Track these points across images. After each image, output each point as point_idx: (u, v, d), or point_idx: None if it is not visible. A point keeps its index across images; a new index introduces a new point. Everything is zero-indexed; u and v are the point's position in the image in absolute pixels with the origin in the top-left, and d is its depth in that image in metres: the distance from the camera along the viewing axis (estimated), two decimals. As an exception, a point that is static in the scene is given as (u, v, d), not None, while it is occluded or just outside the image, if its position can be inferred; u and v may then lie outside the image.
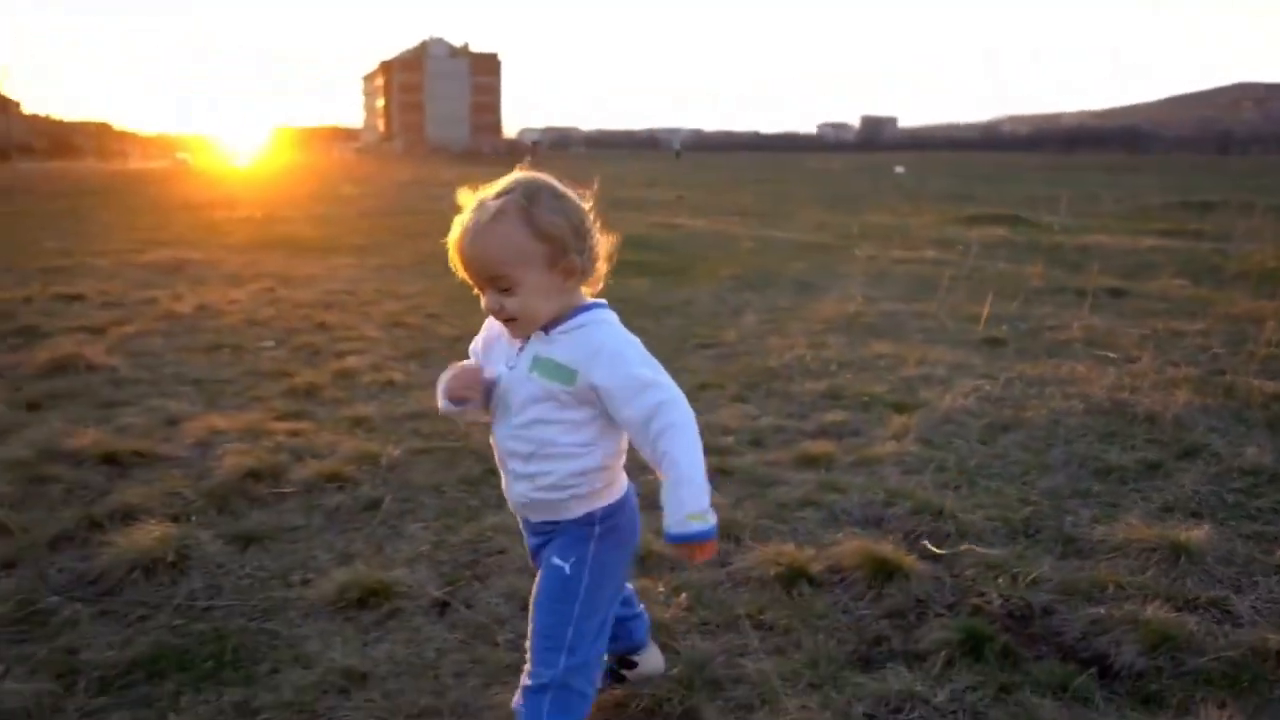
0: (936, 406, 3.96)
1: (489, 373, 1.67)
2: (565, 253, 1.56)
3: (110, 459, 3.30)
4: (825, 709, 1.90)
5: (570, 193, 1.63)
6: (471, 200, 1.59)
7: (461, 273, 1.58)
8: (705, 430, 3.47)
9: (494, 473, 3.06)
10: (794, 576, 2.42)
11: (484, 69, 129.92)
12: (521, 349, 1.62)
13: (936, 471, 3.22)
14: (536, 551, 1.75)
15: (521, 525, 1.79)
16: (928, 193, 22.23)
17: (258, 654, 2.10)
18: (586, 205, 1.63)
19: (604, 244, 1.63)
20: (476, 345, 1.74)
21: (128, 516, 2.77)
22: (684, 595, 2.35)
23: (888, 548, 2.53)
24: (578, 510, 1.66)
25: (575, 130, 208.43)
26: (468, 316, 6.03)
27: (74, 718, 1.88)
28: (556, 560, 1.66)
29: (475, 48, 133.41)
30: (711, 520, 1.55)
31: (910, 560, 2.48)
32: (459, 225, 1.57)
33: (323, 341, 5.39)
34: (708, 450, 3.24)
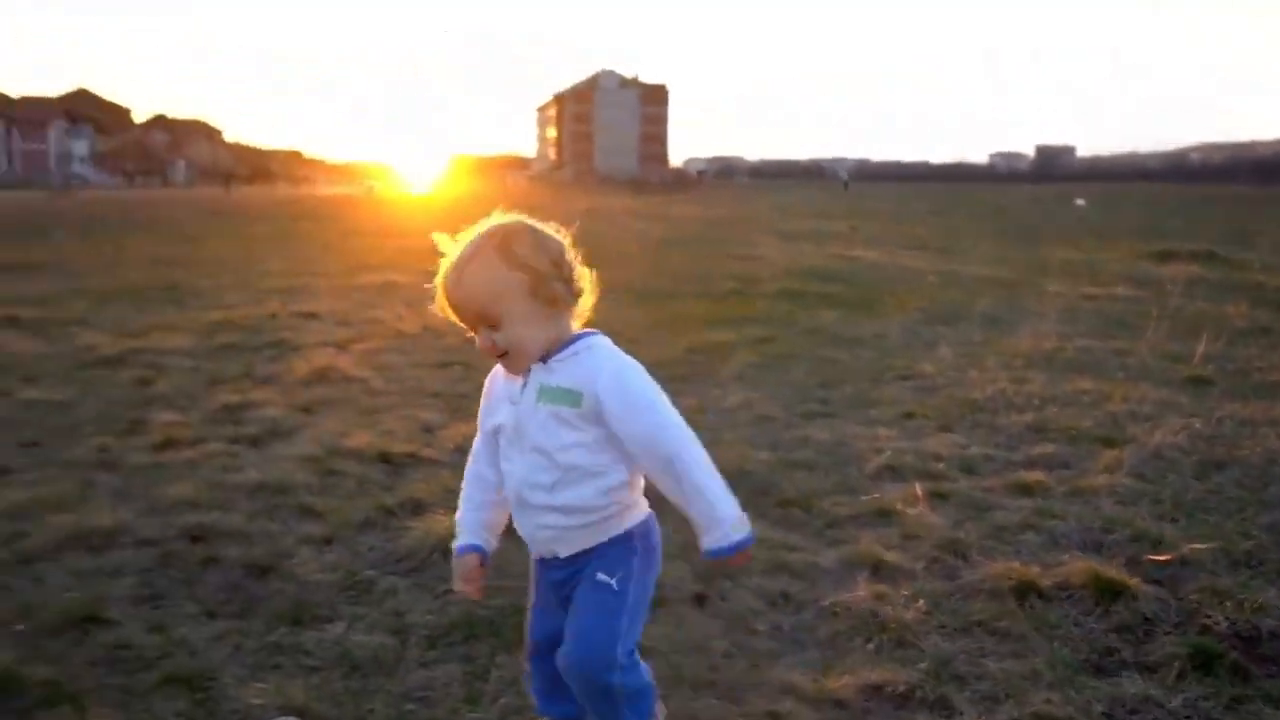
0: (1146, 442, 4.03)
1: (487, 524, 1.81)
2: (545, 281, 1.63)
3: (385, 458, 3.76)
4: (1067, 705, 2.10)
5: (547, 229, 1.71)
6: (451, 245, 1.64)
7: (451, 316, 1.65)
8: (914, 456, 3.69)
9: (727, 485, 3.36)
10: (1024, 590, 2.61)
11: (653, 100, 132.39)
12: (524, 384, 1.67)
13: (1152, 504, 3.33)
14: (561, 584, 1.74)
15: (536, 568, 1.82)
16: (1113, 227, 21.53)
17: (507, 635, 2.45)
18: (565, 241, 1.73)
19: (586, 276, 1.73)
20: (480, 415, 1.81)
21: (417, 507, 3.19)
22: (921, 601, 2.57)
23: (1112, 570, 2.69)
24: (615, 529, 1.69)
25: (740, 160, 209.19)
26: (670, 342, 6.39)
27: (413, 666, 2.26)
28: (602, 576, 1.68)
29: (645, 79, 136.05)
30: (748, 527, 1.63)
31: (1135, 582, 2.64)
32: (442, 270, 1.62)
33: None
34: (920, 475, 3.45)
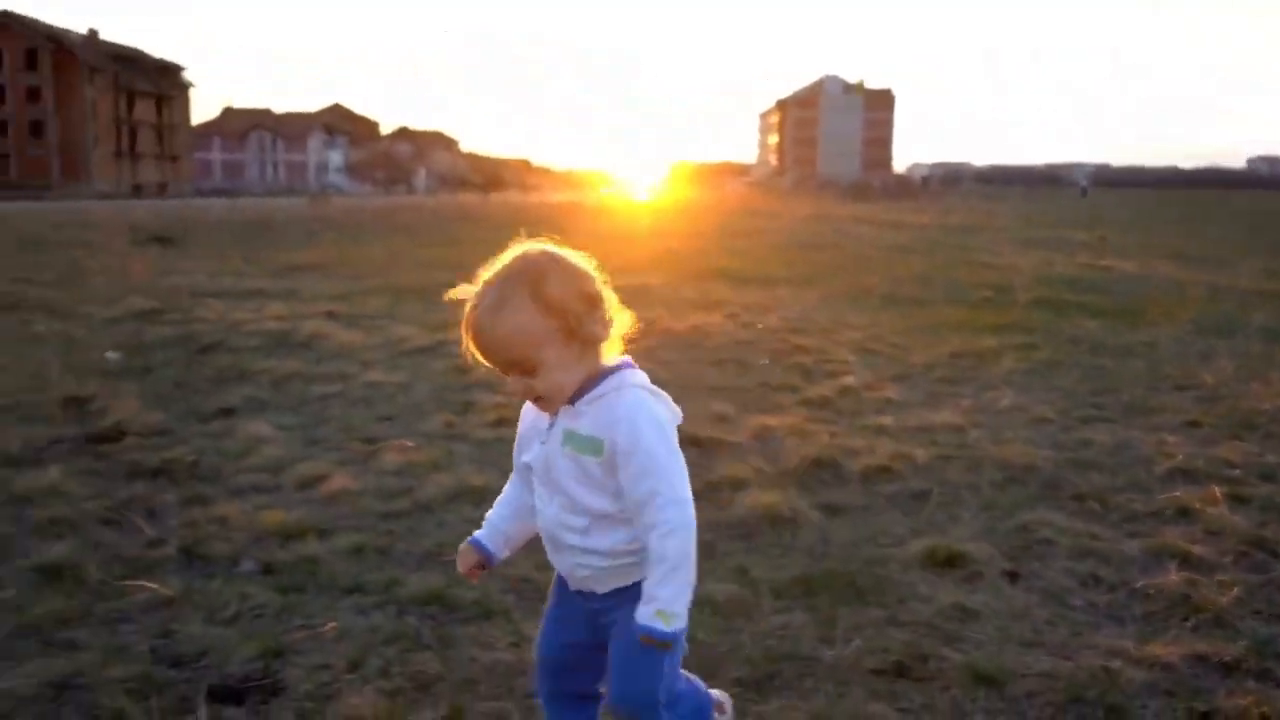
0: None
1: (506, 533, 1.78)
2: (580, 323, 1.54)
3: (694, 442, 4.18)
4: (1396, 687, 2.23)
5: (574, 258, 1.61)
6: (476, 287, 1.56)
7: (479, 360, 1.57)
8: (1205, 461, 3.76)
9: (1015, 479, 3.57)
10: (1343, 585, 2.72)
11: (877, 105, 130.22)
12: (552, 424, 1.62)
13: None
14: (598, 613, 1.71)
15: (558, 594, 1.80)
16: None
17: (882, 589, 2.76)
18: (593, 267, 1.62)
19: (614, 302, 1.61)
20: (515, 447, 1.76)
21: (737, 483, 3.58)
22: (1236, 589, 2.72)
23: None
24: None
25: (967, 165, 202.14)
26: (933, 346, 6.56)
27: (767, 612, 2.63)
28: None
29: (870, 84, 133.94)
30: (676, 626, 1.56)
31: None
32: (469, 314, 1.54)
33: (808, 362, 6.13)
34: (1215, 479, 3.53)
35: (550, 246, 1.61)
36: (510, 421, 4.47)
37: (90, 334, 7.14)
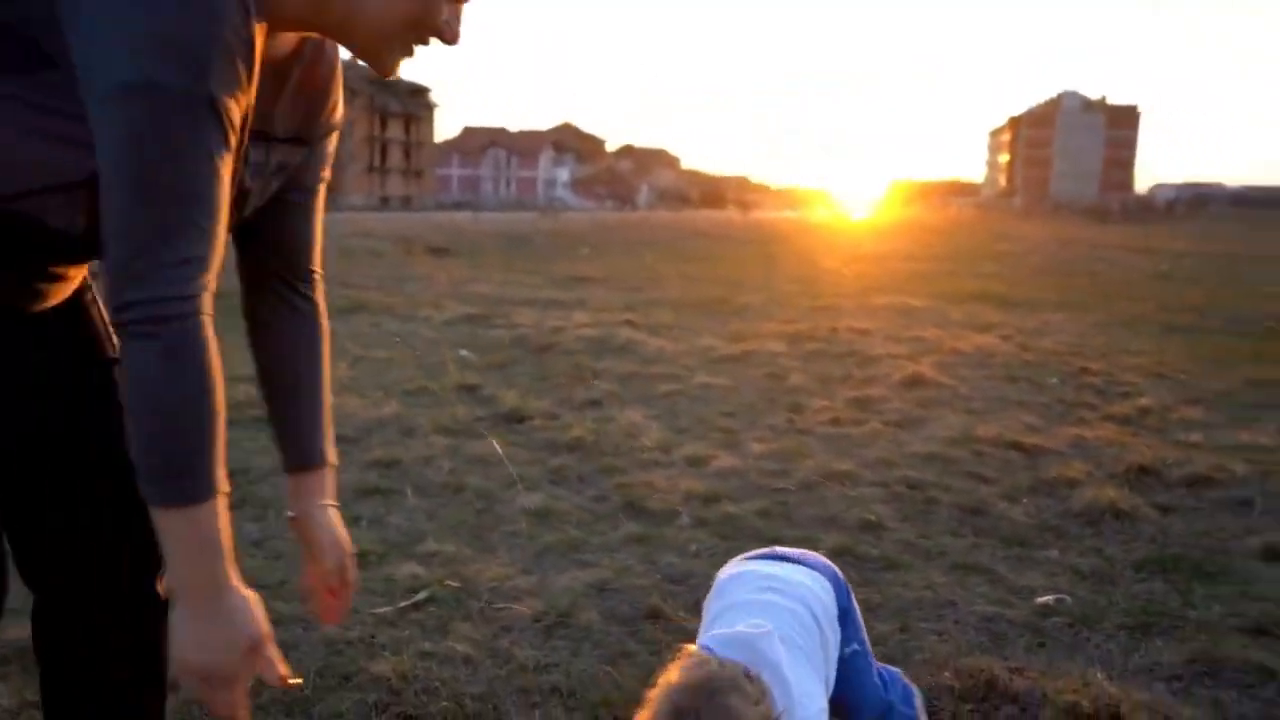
0: None
1: None
2: None
3: (1015, 445, 4.71)
4: None
5: (754, 694, 1.38)
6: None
7: None
8: None
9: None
10: None
11: (1120, 122, 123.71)
12: None
13: None
14: None
15: None
16: None
17: (1228, 572, 3.22)
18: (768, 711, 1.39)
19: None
20: None
21: (1071, 482, 4.10)
22: None
23: None
24: None
25: (1219, 186, 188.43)
26: (1225, 374, 6.77)
27: (1130, 582, 3.15)
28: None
29: (1113, 99, 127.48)
30: None
31: None
32: None
33: (1098, 383, 6.48)
34: None
35: (734, 672, 1.40)
36: (845, 421, 5.13)
37: (436, 333, 8.31)
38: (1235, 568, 3.26)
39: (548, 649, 2.63)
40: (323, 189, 1.44)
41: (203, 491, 1.04)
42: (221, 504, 1.08)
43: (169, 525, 1.05)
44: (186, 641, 1.08)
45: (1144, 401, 5.80)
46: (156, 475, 1.04)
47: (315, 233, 1.45)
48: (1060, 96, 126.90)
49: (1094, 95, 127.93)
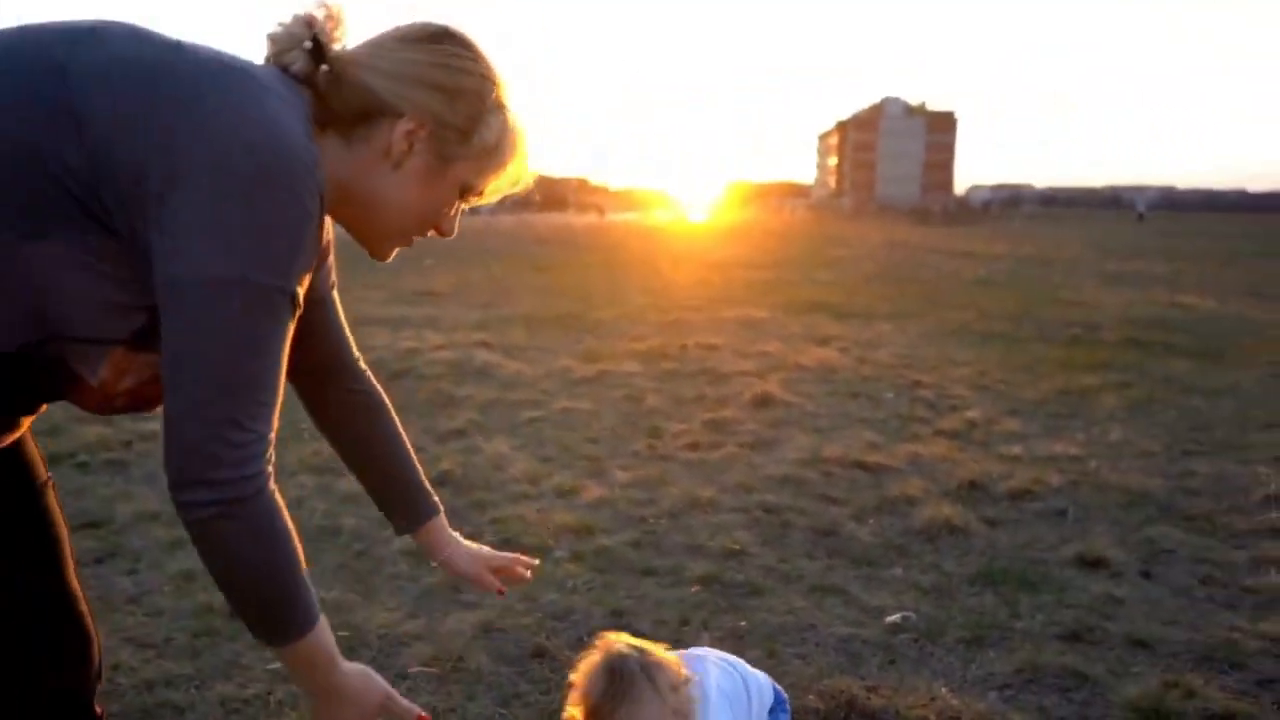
0: None
1: None
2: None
3: (862, 465, 5.09)
4: None
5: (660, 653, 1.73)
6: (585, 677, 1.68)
7: None
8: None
9: (1135, 502, 4.40)
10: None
11: (939, 127, 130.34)
12: None
13: None
14: None
15: None
16: None
17: (1047, 581, 3.63)
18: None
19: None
20: None
21: (911, 500, 4.47)
22: (1323, 587, 3.56)
23: None
24: None
25: (1028, 188, 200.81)
26: (1038, 383, 7.39)
27: (965, 596, 3.51)
28: None
29: (933, 105, 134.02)
30: None
31: None
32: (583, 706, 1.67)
33: (930, 396, 7.00)
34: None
35: (639, 654, 1.71)
36: (703, 445, 5.41)
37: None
38: (1053, 577, 3.68)
39: (443, 694, 2.77)
40: (335, 290, 1.62)
41: (305, 627, 1.21)
42: (322, 623, 1.25)
43: (283, 656, 1.24)
44: None
45: (970, 414, 6.31)
46: (262, 628, 1.20)
47: (345, 327, 1.63)
48: (883, 102, 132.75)
49: (914, 101, 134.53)
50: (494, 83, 1.33)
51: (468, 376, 7.42)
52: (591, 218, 74.07)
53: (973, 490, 4.67)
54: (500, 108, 1.34)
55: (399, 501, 1.70)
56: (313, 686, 1.27)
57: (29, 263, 1.10)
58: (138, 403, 1.27)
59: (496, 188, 1.39)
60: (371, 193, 1.31)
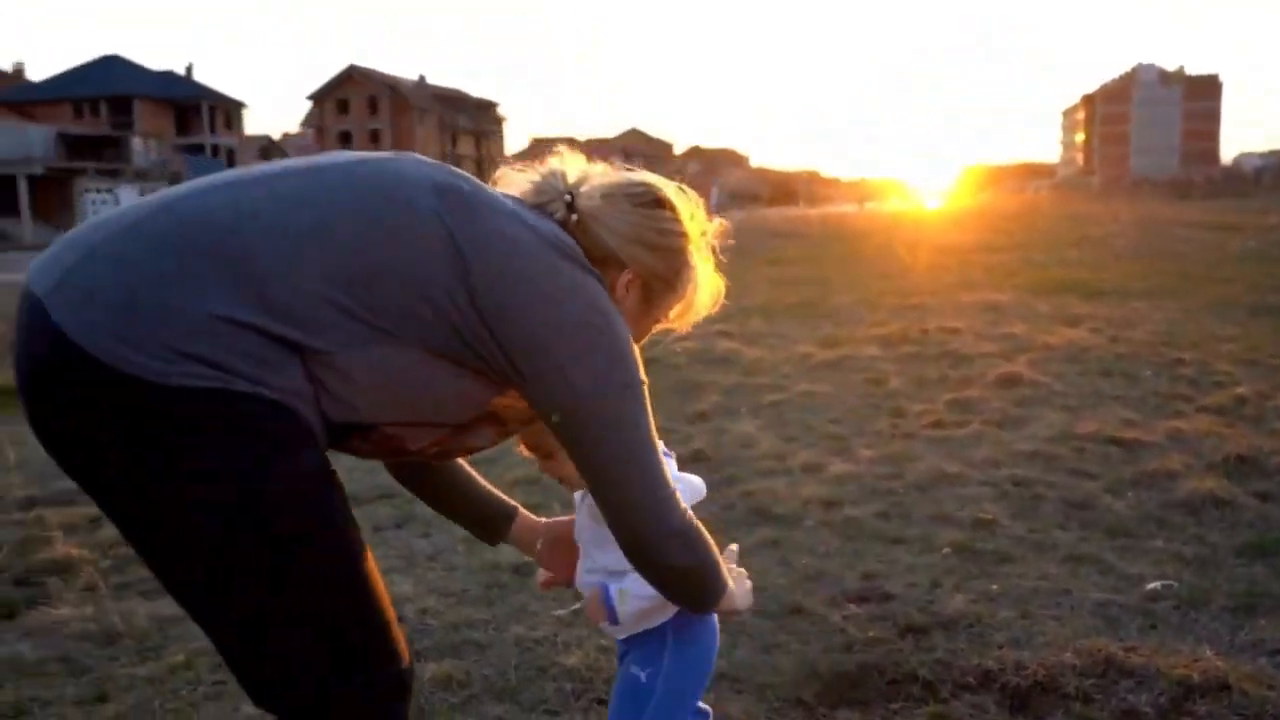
0: None
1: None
2: None
3: (1115, 441, 4.96)
4: None
5: None
6: None
7: None
8: None
9: None
10: None
11: (1200, 93, 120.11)
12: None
13: None
14: (622, 659, 1.86)
15: None
16: None
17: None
18: None
19: None
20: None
21: (1171, 474, 4.34)
22: None
23: None
24: (653, 620, 1.75)
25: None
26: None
27: (1233, 566, 3.42)
28: (634, 669, 1.78)
29: (1191, 70, 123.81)
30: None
31: None
32: None
33: (1191, 373, 6.66)
34: None
35: None
36: (948, 424, 5.43)
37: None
38: (1335, 550, 3.51)
39: (709, 643, 3.00)
40: None
41: (725, 586, 1.64)
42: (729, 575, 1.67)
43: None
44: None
45: (1239, 390, 5.97)
46: (709, 604, 1.64)
47: None
48: (1135, 70, 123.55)
49: (1171, 66, 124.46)
50: (690, 238, 1.66)
51: (711, 364, 7.69)
52: (851, 208, 73.33)
53: (1241, 465, 4.47)
54: (691, 260, 1.67)
55: (486, 514, 1.92)
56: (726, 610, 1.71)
57: (409, 364, 1.39)
58: (426, 457, 1.57)
59: (685, 319, 1.75)
60: None
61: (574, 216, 1.57)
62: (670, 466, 1.94)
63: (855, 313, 10.56)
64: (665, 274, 1.64)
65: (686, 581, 1.55)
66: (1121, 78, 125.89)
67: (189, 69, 78.38)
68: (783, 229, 36.48)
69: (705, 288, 1.71)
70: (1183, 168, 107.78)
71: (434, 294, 1.37)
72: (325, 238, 1.36)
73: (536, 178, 1.61)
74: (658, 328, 1.73)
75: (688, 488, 1.86)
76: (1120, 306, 10.21)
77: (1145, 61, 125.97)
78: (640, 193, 1.63)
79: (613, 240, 1.58)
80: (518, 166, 1.66)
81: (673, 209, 1.64)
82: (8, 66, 79.32)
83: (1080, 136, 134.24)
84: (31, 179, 54.12)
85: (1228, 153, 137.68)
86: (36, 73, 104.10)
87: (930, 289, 12.64)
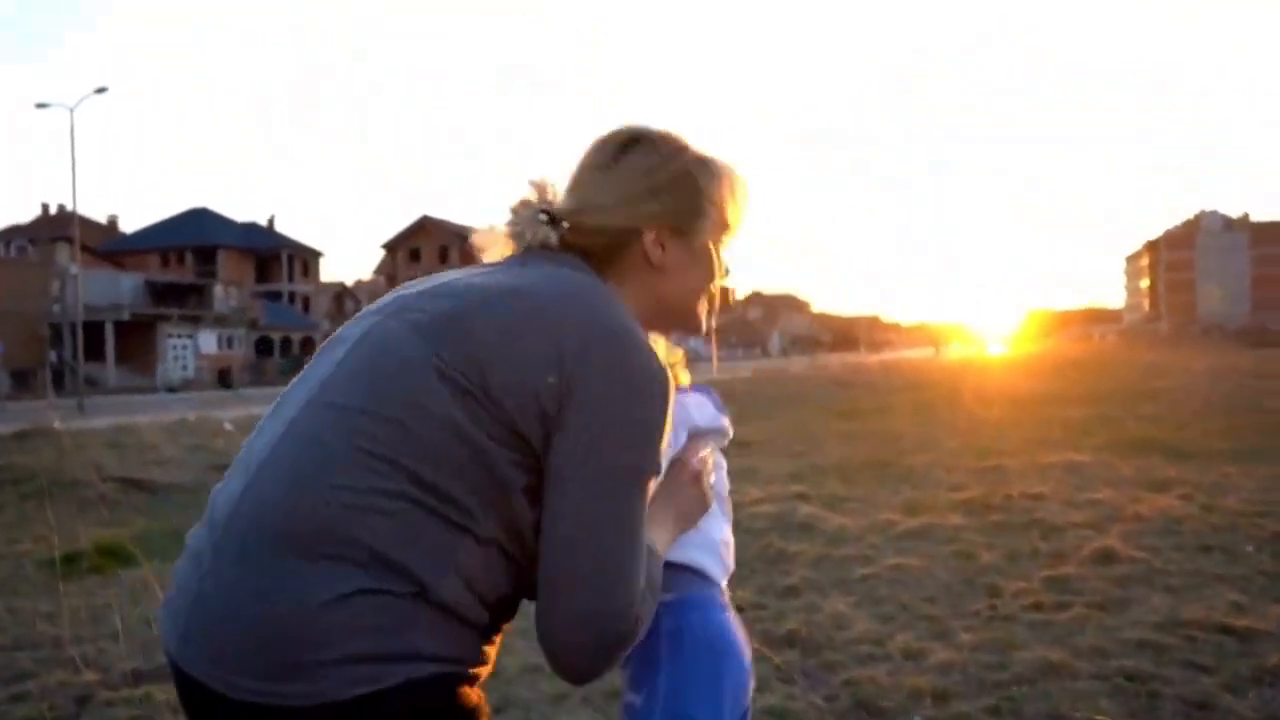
0: None
1: None
2: None
3: (1225, 629, 4.80)
4: None
5: None
6: None
7: None
8: None
9: None
10: None
11: (1268, 239, 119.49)
12: None
13: None
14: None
15: None
16: None
17: None
18: None
19: None
20: None
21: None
22: None
23: None
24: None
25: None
26: None
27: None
28: (628, 694, 1.57)
29: (1256, 216, 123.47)
30: None
31: None
32: None
33: (1298, 548, 6.46)
34: None
35: None
36: (1048, 605, 5.30)
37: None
38: None
39: None
40: None
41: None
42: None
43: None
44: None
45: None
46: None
47: None
48: (1199, 216, 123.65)
49: (1235, 213, 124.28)
50: (686, 150, 1.49)
51: (793, 530, 7.63)
52: (929, 352, 73.42)
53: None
54: (701, 163, 1.49)
55: None
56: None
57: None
58: None
59: (741, 218, 1.56)
60: (663, 301, 1.50)
61: (563, 225, 1.44)
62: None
63: (933, 474, 10.46)
64: (686, 205, 1.48)
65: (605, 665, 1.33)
66: (1185, 224, 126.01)
67: (271, 221, 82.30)
68: (847, 377, 36.59)
69: (729, 184, 1.52)
70: (1254, 315, 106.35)
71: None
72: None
73: (508, 219, 1.48)
74: (729, 241, 1.55)
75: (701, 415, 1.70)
76: (1208, 470, 9.99)
77: (1209, 208, 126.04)
78: (603, 149, 1.49)
79: (610, 220, 1.45)
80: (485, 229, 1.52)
81: (648, 138, 1.48)
82: (103, 219, 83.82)
83: (1145, 282, 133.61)
84: (118, 325, 56.41)
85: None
86: (130, 223, 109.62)
87: (1007, 448, 12.51)
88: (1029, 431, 14.49)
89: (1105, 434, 13.71)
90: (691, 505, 1.56)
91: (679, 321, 1.56)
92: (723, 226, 1.52)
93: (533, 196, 1.46)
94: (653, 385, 1.30)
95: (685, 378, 1.69)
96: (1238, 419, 14.95)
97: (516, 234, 1.46)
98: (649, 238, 1.45)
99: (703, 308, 1.56)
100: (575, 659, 1.30)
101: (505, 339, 1.28)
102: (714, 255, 1.53)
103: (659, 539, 1.43)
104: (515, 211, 1.46)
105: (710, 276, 1.53)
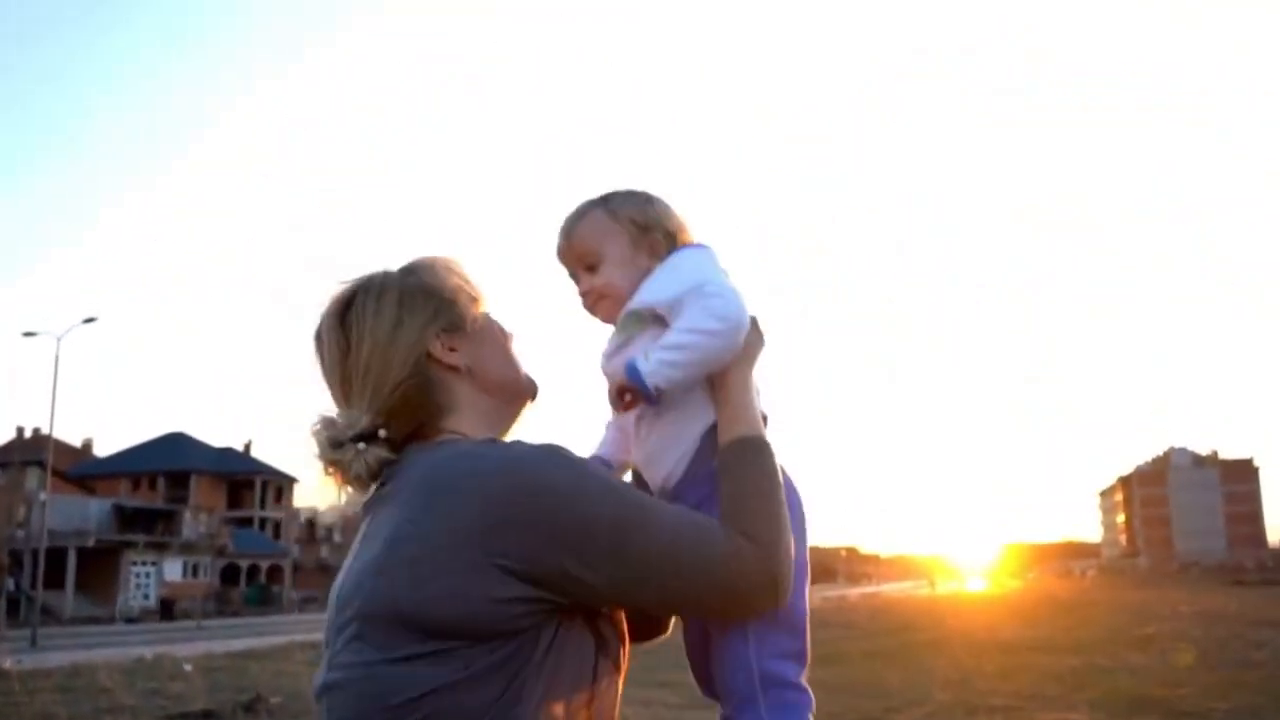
0: None
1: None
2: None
3: None
4: None
5: None
6: None
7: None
8: None
9: None
10: None
11: (1237, 477, 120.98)
12: None
13: None
14: None
15: None
16: None
17: None
18: None
19: None
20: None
21: None
22: None
23: None
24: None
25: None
26: None
27: None
28: None
29: (1225, 453, 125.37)
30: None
31: None
32: None
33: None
34: None
35: None
36: None
37: None
38: None
39: None
40: None
41: None
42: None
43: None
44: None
45: None
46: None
47: None
48: (1169, 453, 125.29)
49: (1204, 450, 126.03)
50: (388, 275, 1.48)
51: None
52: (922, 585, 72.50)
53: None
54: (409, 273, 1.48)
55: None
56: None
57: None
58: None
59: (478, 284, 1.54)
60: (489, 388, 1.49)
61: (380, 432, 1.38)
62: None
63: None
64: (434, 309, 1.46)
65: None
66: (1155, 461, 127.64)
67: (247, 446, 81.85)
68: (829, 616, 35.75)
69: (445, 269, 1.51)
70: (1230, 551, 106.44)
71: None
72: None
73: (332, 464, 1.40)
74: (483, 313, 1.54)
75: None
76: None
77: (1178, 445, 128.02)
78: (332, 335, 1.45)
79: (398, 368, 1.41)
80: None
81: (351, 297, 1.46)
82: (78, 441, 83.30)
83: (1121, 518, 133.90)
84: (81, 551, 54.95)
85: (1273, 535, 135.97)
86: (106, 443, 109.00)
87: (1000, 702, 12.05)
88: (1021, 684, 14.01)
89: (1099, 687, 13.28)
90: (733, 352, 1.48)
91: (511, 392, 1.55)
92: (474, 300, 1.52)
93: (337, 433, 1.38)
94: (520, 466, 1.28)
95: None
96: (1232, 673, 14.57)
97: (355, 477, 1.39)
98: (437, 349, 1.43)
99: (517, 368, 1.56)
100: (777, 593, 1.36)
101: (419, 583, 1.25)
102: (489, 322, 1.54)
103: (738, 389, 1.46)
104: (339, 460, 1.38)
105: (502, 338, 1.55)
